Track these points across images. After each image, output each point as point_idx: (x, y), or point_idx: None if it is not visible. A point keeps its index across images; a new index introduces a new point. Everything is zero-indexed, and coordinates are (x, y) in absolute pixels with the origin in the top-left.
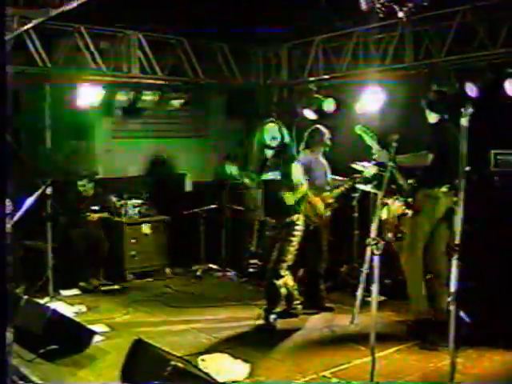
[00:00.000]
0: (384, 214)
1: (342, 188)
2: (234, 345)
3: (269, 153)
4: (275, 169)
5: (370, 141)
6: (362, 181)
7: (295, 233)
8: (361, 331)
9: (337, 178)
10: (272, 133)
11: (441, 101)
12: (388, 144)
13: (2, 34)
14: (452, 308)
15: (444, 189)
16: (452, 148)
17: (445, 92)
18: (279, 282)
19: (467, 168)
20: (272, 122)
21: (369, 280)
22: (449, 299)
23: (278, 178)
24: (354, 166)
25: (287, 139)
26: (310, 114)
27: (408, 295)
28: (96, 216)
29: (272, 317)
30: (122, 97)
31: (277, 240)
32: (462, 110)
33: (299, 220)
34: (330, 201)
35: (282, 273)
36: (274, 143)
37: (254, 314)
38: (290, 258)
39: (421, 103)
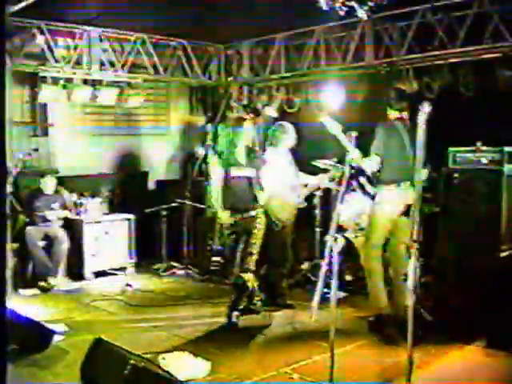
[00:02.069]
0: (344, 211)
1: (315, 188)
2: (195, 343)
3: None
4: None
5: (335, 131)
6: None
7: (257, 226)
8: (321, 327)
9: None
10: (250, 132)
11: (400, 98)
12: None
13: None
14: (410, 303)
15: (403, 186)
16: (395, 149)
17: (404, 90)
18: (246, 277)
19: (423, 166)
20: (247, 119)
21: (329, 276)
22: (407, 295)
23: (249, 175)
24: (316, 163)
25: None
26: (271, 111)
27: (368, 291)
28: (55, 214)
29: (235, 314)
30: (81, 93)
31: (238, 235)
32: (420, 108)
33: (260, 215)
34: (296, 204)
35: (251, 267)
36: (250, 142)
37: (216, 311)
38: (255, 251)
39: (383, 100)
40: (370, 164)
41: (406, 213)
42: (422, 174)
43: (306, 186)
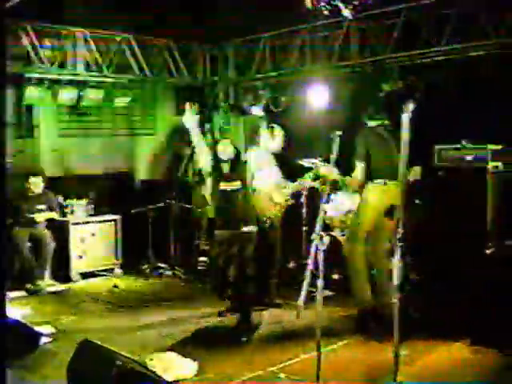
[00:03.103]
0: (330, 210)
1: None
2: (182, 343)
3: (225, 166)
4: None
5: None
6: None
7: (250, 244)
8: (308, 326)
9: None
10: (226, 150)
11: (380, 110)
12: (331, 140)
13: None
14: (396, 300)
15: (389, 184)
16: (380, 154)
17: (384, 101)
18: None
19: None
20: (225, 138)
21: (315, 275)
22: (393, 292)
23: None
24: (301, 162)
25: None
26: (257, 111)
27: (351, 285)
28: (42, 216)
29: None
30: (67, 95)
31: (230, 255)
32: (404, 106)
33: (253, 230)
34: (282, 201)
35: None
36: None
37: (203, 311)
38: (250, 263)
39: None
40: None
41: (390, 213)
42: (416, 171)
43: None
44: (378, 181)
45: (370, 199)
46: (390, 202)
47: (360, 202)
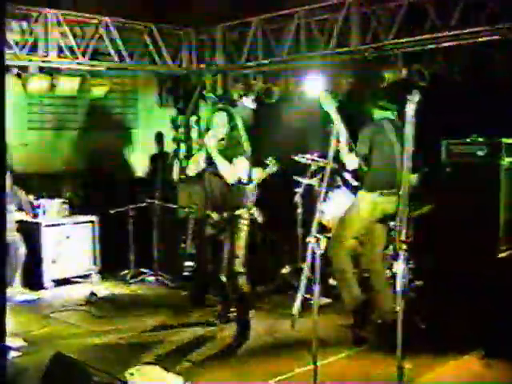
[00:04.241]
0: (328, 211)
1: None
2: (166, 356)
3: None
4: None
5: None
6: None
7: (242, 226)
8: (304, 337)
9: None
10: (221, 121)
11: (388, 99)
12: (328, 133)
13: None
14: (399, 308)
15: (386, 194)
16: (382, 154)
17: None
18: (240, 281)
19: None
20: (221, 109)
21: (311, 281)
22: (394, 299)
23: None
24: (296, 158)
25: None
26: (248, 102)
27: (340, 292)
28: (11, 217)
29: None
30: (38, 83)
31: (218, 239)
32: (408, 97)
33: (245, 214)
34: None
35: (241, 269)
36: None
37: (189, 321)
38: (241, 253)
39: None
40: (352, 162)
41: (383, 220)
42: (413, 179)
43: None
44: (373, 195)
45: (360, 209)
46: (383, 213)
47: (350, 206)
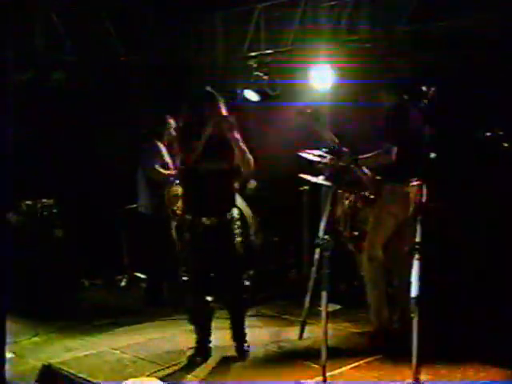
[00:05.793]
0: (338, 210)
1: None
2: (164, 367)
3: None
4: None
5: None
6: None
7: (236, 229)
8: (312, 346)
9: None
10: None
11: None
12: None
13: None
14: (414, 315)
15: (414, 183)
16: (415, 134)
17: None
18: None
19: (432, 155)
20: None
21: (319, 286)
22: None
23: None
24: (304, 155)
25: None
26: (251, 95)
27: (367, 303)
28: None
29: None
30: None
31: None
32: (424, 88)
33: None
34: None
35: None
36: None
37: (188, 329)
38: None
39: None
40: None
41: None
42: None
43: None
44: (405, 183)
45: (394, 205)
46: (415, 201)
47: (381, 205)
